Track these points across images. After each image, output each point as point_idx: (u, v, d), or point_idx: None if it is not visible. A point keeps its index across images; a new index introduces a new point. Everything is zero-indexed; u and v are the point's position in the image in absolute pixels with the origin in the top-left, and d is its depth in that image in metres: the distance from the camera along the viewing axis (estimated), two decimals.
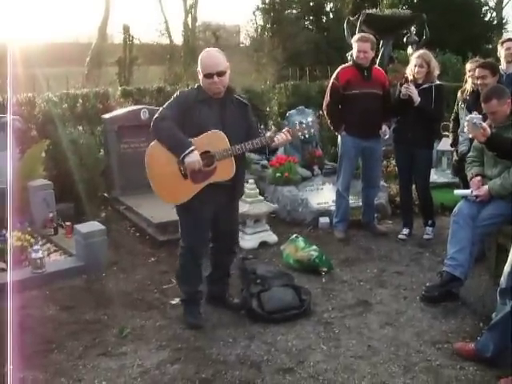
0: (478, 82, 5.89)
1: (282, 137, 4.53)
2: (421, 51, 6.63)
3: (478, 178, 5.20)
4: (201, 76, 4.54)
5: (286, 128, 4.75)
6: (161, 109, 4.64)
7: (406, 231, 6.98)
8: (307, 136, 4.80)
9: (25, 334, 4.52)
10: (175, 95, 4.69)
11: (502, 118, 4.88)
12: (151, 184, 4.67)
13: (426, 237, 6.84)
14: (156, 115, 4.57)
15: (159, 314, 5.04)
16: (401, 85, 6.58)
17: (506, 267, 3.99)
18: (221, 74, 4.46)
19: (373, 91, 6.60)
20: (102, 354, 4.37)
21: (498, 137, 4.61)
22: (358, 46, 6.57)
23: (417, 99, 6.32)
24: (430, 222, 6.92)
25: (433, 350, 4.37)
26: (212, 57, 4.56)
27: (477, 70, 5.87)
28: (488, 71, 5.76)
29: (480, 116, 4.39)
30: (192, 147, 4.39)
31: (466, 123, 4.58)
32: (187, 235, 4.80)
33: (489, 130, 4.32)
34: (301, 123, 4.75)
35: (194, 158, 4.38)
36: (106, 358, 4.30)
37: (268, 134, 4.84)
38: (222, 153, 4.46)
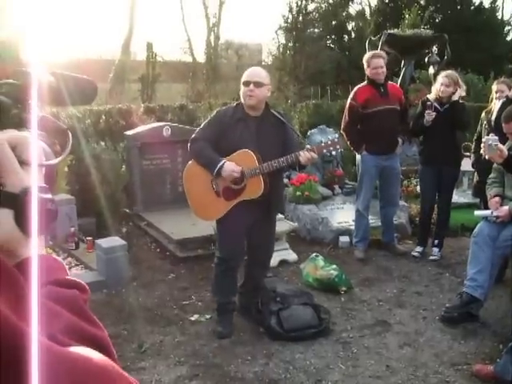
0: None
1: (305, 155, 4.53)
2: (449, 71, 6.66)
3: (497, 198, 5.18)
4: (241, 88, 4.70)
5: (309, 146, 4.76)
6: (197, 129, 4.84)
7: (419, 249, 6.98)
8: (333, 153, 4.84)
9: None
10: (212, 114, 4.89)
11: None
12: (187, 199, 4.88)
13: (432, 257, 6.82)
14: (192, 136, 4.77)
15: (178, 330, 5.06)
16: (422, 103, 6.62)
17: None
18: (258, 84, 4.59)
19: (392, 107, 6.62)
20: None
21: None
22: (375, 62, 6.60)
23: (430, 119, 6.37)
24: (436, 241, 6.90)
25: (451, 371, 4.35)
26: (255, 68, 4.83)
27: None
28: None
29: (496, 137, 4.39)
30: (223, 160, 4.55)
31: (482, 145, 4.60)
32: (222, 247, 4.93)
33: (506, 151, 4.32)
34: (326, 139, 4.79)
35: (228, 168, 4.54)
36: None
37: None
38: (251, 171, 4.55)
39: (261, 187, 4.58)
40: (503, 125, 4.87)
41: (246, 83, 4.64)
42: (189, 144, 4.78)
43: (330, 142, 4.68)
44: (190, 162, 4.85)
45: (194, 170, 4.79)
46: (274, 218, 5.12)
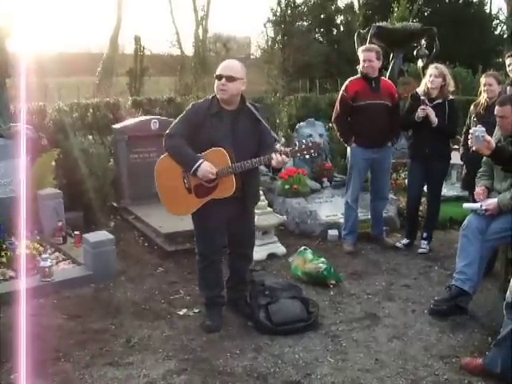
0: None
1: (278, 158, 4.48)
2: (437, 64, 6.66)
3: (483, 188, 5.20)
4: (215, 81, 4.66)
5: (282, 148, 4.65)
6: (172, 123, 4.77)
7: (405, 241, 7.00)
8: (307, 157, 4.76)
9: (32, 343, 4.52)
10: (188, 108, 4.79)
11: (509, 126, 4.85)
12: (158, 194, 4.85)
13: (420, 250, 6.83)
14: (167, 131, 4.73)
15: (166, 324, 5.03)
16: (412, 97, 6.62)
17: (511, 281, 3.98)
18: (231, 78, 4.53)
19: (381, 102, 6.60)
20: (108, 363, 4.36)
21: (504, 150, 4.60)
22: (363, 55, 6.61)
23: (435, 120, 6.36)
24: (425, 234, 6.91)
25: (441, 364, 4.35)
26: (228, 62, 4.73)
27: (507, 88, 5.83)
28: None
29: (483, 129, 4.39)
30: (200, 160, 4.51)
31: (469, 136, 4.59)
32: (200, 243, 4.93)
33: (493, 142, 4.32)
34: (300, 142, 4.69)
35: (204, 169, 4.50)
36: (112, 368, 4.30)
37: (278, 145, 4.80)
38: (223, 170, 4.51)
39: (232, 187, 4.54)
40: (496, 107, 4.86)
41: (219, 77, 4.58)
42: (164, 139, 4.71)
43: (304, 146, 4.61)
44: (162, 156, 4.79)
45: (165, 165, 4.75)
46: (251, 211, 5.09)
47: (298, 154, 4.67)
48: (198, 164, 4.50)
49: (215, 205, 4.62)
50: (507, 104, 4.78)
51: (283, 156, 4.50)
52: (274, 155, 4.48)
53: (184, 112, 4.79)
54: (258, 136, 4.70)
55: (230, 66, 4.64)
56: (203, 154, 4.56)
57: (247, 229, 5.07)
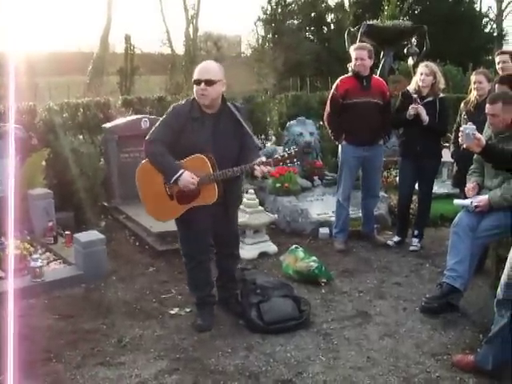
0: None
1: (262, 169, 4.46)
2: (428, 62, 6.67)
3: (474, 184, 5.22)
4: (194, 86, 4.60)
5: (264, 159, 4.55)
6: (153, 128, 4.72)
7: (396, 239, 7.01)
8: (289, 165, 4.72)
9: (23, 343, 4.50)
10: (168, 111, 4.73)
11: (500, 124, 4.86)
12: (140, 198, 4.86)
13: (411, 248, 6.84)
14: (147, 136, 4.67)
15: (158, 323, 5.02)
16: (403, 95, 6.63)
17: (502, 278, 3.98)
18: (209, 82, 4.47)
19: (372, 100, 6.60)
20: (100, 363, 4.35)
21: (494, 147, 4.61)
22: (356, 53, 6.61)
23: (426, 119, 6.37)
24: (416, 232, 6.92)
25: (432, 361, 4.36)
26: (205, 64, 4.65)
27: (496, 85, 5.82)
28: (505, 86, 5.65)
29: (474, 127, 4.39)
30: (181, 171, 4.47)
31: (460, 134, 4.60)
32: (184, 245, 4.93)
33: (483, 140, 4.33)
34: (284, 153, 4.64)
35: (185, 179, 4.48)
36: (104, 368, 4.28)
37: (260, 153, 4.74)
38: (205, 178, 4.48)
39: (214, 195, 4.52)
40: (487, 105, 4.87)
41: (197, 82, 4.51)
42: (144, 145, 4.66)
43: (286, 155, 4.57)
44: (144, 161, 4.75)
45: (147, 170, 4.70)
46: (233, 213, 5.05)
47: (281, 164, 4.63)
48: (178, 174, 4.47)
49: (198, 208, 4.60)
50: (498, 102, 4.78)
51: (268, 167, 4.49)
52: (257, 167, 4.46)
53: (165, 115, 4.73)
54: (239, 138, 4.67)
55: (207, 68, 4.57)
56: (184, 160, 4.53)
57: (231, 229, 5.06)
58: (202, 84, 4.47)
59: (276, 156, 4.65)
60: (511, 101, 4.80)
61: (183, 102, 4.75)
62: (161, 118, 4.78)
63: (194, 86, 4.56)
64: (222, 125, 4.59)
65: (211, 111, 4.60)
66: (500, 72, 6.52)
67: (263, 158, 4.55)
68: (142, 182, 4.78)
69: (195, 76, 4.56)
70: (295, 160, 4.59)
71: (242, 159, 4.58)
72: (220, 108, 4.63)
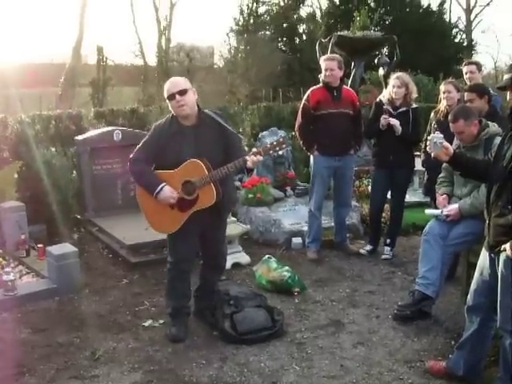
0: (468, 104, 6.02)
1: (252, 159, 4.54)
2: (399, 73, 6.75)
3: (444, 196, 5.29)
4: (169, 104, 4.67)
5: (255, 149, 4.70)
6: (136, 147, 4.82)
7: (368, 247, 7.07)
8: (280, 152, 4.84)
9: None
10: (150, 131, 4.86)
11: (469, 138, 4.94)
12: (143, 215, 4.89)
13: (383, 257, 6.90)
14: (131, 155, 4.79)
15: (131, 336, 5.00)
16: (376, 106, 6.70)
17: (471, 285, 4.04)
18: (182, 92, 4.56)
19: (343, 111, 6.66)
20: (73, 376, 4.33)
21: (462, 156, 4.67)
22: (325, 64, 6.67)
23: (399, 129, 6.45)
24: (388, 241, 6.98)
25: (405, 368, 4.39)
26: (171, 81, 4.76)
27: (465, 94, 5.88)
28: (475, 94, 5.76)
29: (441, 135, 4.45)
30: (162, 184, 4.59)
31: (427, 143, 4.67)
32: (174, 251, 4.94)
33: (451, 148, 4.39)
34: (272, 141, 4.74)
35: (165, 193, 4.60)
36: (77, 382, 4.26)
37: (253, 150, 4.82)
38: (201, 180, 4.54)
39: (213, 195, 4.57)
40: (450, 124, 4.94)
41: (171, 96, 4.59)
42: (128, 164, 4.78)
43: (275, 143, 4.65)
44: None
45: None
46: (225, 220, 5.14)
47: (271, 152, 4.69)
48: (158, 189, 4.57)
49: (191, 215, 4.66)
50: (459, 119, 4.85)
51: (258, 156, 4.55)
52: (248, 157, 4.53)
53: (147, 135, 4.84)
54: (224, 143, 4.72)
55: (174, 82, 4.67)
56: (179, 168, 4.59)
57: (221, 238, 5.12)
58: (177, 96, 4.54)
59: (265, 145, 4.76)
60: (470, 114, 4.89)
61: (163, 121, 4.83)
62: (143, 139, 4.84)
63: (170, 102, 4.63)
64: (202, 136, 4.65)
65: (190, 123, 4.67)
66: (467, 82, 6.62)
67: (254, 149, 4.67)
68: (142, 197, 4.82)
69: (167, 93, 4.63)
70: (284, 146, 4.68)
71: (233, 158, 4.61)
72: (198, 118, 4.70)
